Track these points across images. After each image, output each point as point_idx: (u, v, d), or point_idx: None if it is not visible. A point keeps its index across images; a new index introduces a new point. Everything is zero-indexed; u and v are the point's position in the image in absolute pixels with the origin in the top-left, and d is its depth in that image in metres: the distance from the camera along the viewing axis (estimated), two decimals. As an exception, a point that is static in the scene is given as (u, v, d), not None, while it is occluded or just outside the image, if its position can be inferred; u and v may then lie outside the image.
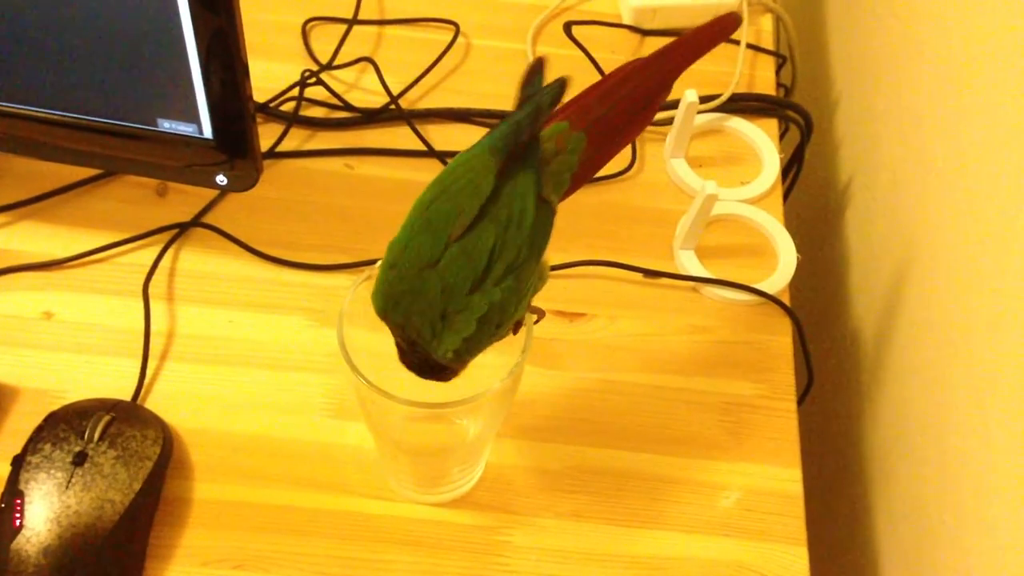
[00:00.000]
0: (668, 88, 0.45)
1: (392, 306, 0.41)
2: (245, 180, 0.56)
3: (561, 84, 0.41)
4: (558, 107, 0.43)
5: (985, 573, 0.46)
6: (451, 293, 0.40)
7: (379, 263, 0.42)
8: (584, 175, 0.44)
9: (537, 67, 0.42)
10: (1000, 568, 0.45)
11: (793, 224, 0.66)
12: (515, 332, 0.45)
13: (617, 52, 0.74)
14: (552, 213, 0.42)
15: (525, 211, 0.40)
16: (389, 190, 0.65)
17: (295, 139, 0.67)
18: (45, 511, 0.47)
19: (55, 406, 0.52)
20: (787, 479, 0.55)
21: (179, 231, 0.62)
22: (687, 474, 0.55)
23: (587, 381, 0.58)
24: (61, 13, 0.50)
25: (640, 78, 0.44)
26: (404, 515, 0.52)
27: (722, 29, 0.46)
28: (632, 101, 0.44)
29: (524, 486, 0.54)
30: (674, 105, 0.68)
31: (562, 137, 0.42)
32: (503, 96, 0.70)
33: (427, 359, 0.42)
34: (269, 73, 0.69)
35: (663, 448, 0.55)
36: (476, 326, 0.40)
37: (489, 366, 0.46)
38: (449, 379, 0.44)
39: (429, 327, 0.40)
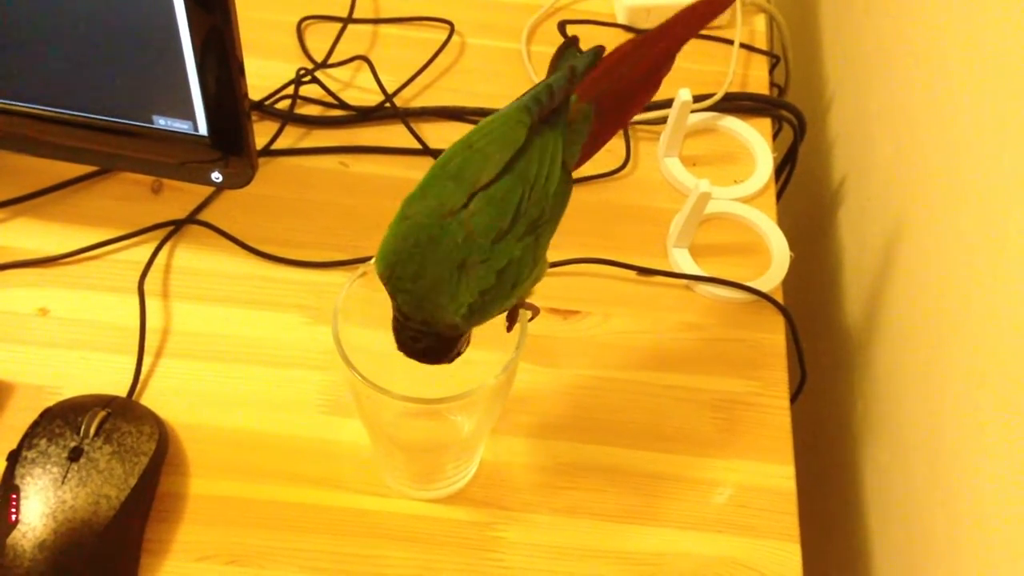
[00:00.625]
0: (671, 61, 0.45)
1: (405, 258, 0.40)
2: (240, 177, 0.57)
3: (597, 52, 0.41)
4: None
5: (977, 570, 0.47)
6: (474, 242, 0.39)
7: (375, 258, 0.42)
8: (592, 147, 0.44)
9: (571, 42, 0.43)
10: (991, 564, 0.45)
11: (786, 223, 0.66)
12: (509, 328, 0.45)
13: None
14: (571, 182, 0.43)
15: (552, 172, 0.41)
16: (384, 188, 0.65)
17: (290, 137, 0.67)
18: (41, 506, 0.47)
19: (50, 402, 0.52)
20: (780, 475, 0.55)
21: (174, 228, 0.62)
22: (680, 471, 0.55)
23: (581, 378, 0.58)
24: (56, 10, 0.51)
25: (642, 52, 0.44)
26: (399, 511, 0.53)
27: (720, 1, 0.46)
28: (636, 75, 0.44)
29: (519, 482, 0.54)
30: (668, 104, 0.68)
31: (573, 109, 0.43)
32: (498, 95, 0.70)
33: (426, 329, 0.41)
34: (264, 71, 0.69)
35: (657, 445, 0.56)
36: (495, 278, 0.40)
37: (483, 363, 0.46)
38: (444, 361, 0.44)
39: (446, 281, 0.40)
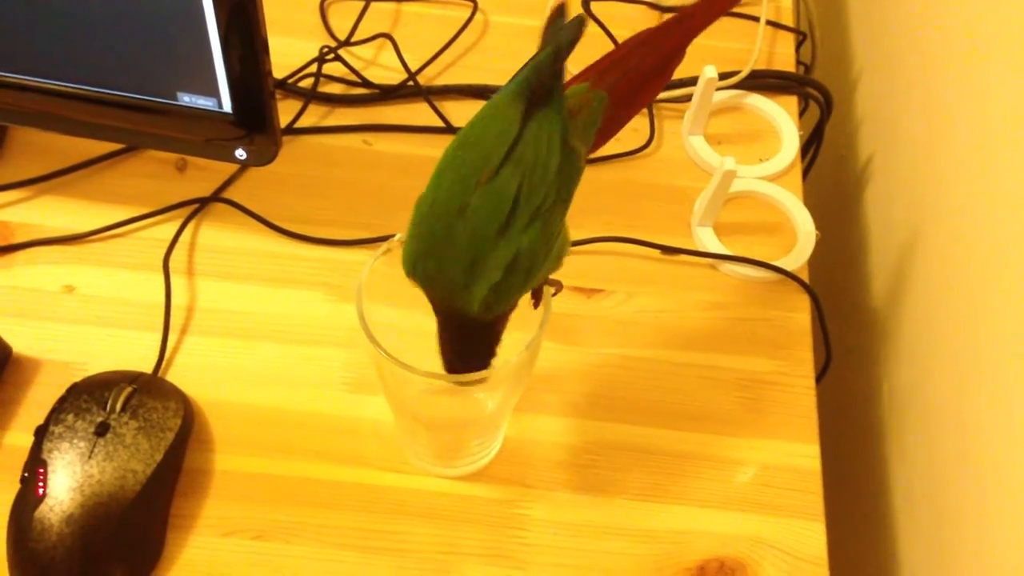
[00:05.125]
0: (682, 54, 0.45)
1: (423, 256, 0.41)
2: (264, 155, 0.57)
3: (579, 22, 0.40)
4: (577, 74, 0.43)
5: (1006, 550, 0.46)
6: (479, 239, 0.40)
7: (398, 235, 0.42)
8: (607, 132, 0.44)
9: (559, 11, 0.41)
10: (1020, 545, 0.45)
11: (812, 201, 0.65)
12: (536, 305, 0.45)
13: (637, 29, 0.73)
14: (579, 159, 0.42)
15: (551, 154, 0.40)
16: (407, 166, 0.65)
17: (313, 115, 0.67)
18: (68, 480, 0.48)
19: (77, 378, 0.53)
20: (805, 455, 0.55)
21: (199, 206, 0.62)
22: (705, 449, 0.55)
23: (604, 357, 0.58)
24: (82, -13, 0.51)
25: (655, 43, 0.44)
26: (422, 488, 0.53)
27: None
28: (647, 65, 0.44)
29: (542, 460, 0.54)
30: (693, 82, 0.68)
31: (584, 95, 0.43)
32: (521, 72, 0.70)
33: (461, 327, 0.42)
34: (288, 49, 0.69)
35: (681, 424, 0.56)
36: (503, 273, 0.40)
37: (507, 340, 0.46)
38: (483, 362, 0.44)
39: (461, 276, 0.40)
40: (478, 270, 0.40)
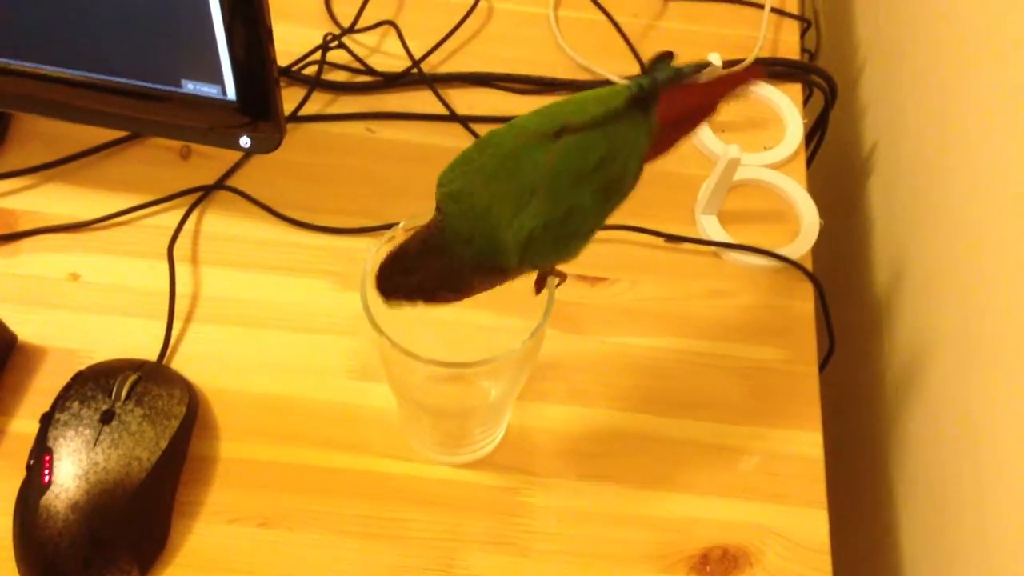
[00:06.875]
0: (714, 111, 0.46)
1: (478, 167, 0.41)
2: (268, 142, 0.57)
3: (699, 67, 0.43)
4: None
5: (1005, 539, 0.46)
6: (555, 173, 0.40)
7: (402, 223, 0.42)
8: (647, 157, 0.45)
9: (666, 55, 0.44)
10: (1022, 534, 0.45)
11: (816, 190, 0.65)
12: (538, 291, 0.45)
13: (639, 16, 0.73)
14: (638, 175, 0.43)
15: (635, 154, 0.42)
16: (411, 154, 0.65)
17: (317, 103, 0.67)
18: (74, 468, 0.48)
19: (82, 366, 0.53)
20: (808, 443, 0.55)
21: (203, 194, 0.62)
22: (708, 437, 0.55)
23: (608, 345, 0.58)
24: (86, -26, 0.51)
25: (702, 95, 0.45)
26: (426, 476, 0.53)
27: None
28: (690, 109, 0.45)
29: (545, 448, 0.54)
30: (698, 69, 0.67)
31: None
32: (525, 60, 0.70)
33: (453, 256, 0.41)
34: (291, 36, 0.69)
35: (684, 411, 0.56)
36: (564, 214, 0.40)
37: (511, 329, 0.46)
38: (426, 298, 0.42)
39: (514, 198, 0.40)
40: (538, 200, 0.40)
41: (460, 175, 0.41)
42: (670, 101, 0.43)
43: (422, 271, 0.42)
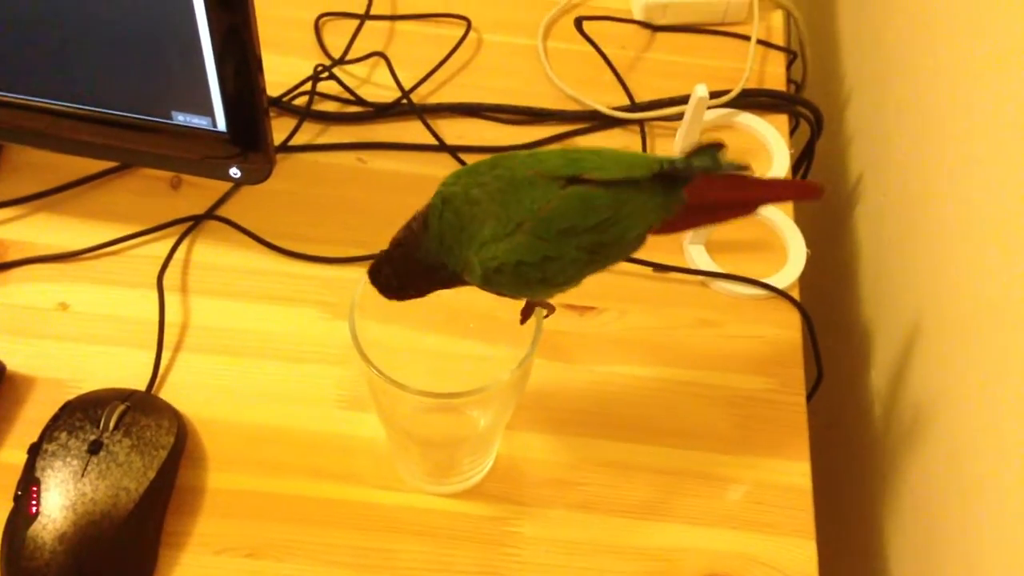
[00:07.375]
0: (748, 211, 0.46)
1: (476, 180, 0.41)
2: (258, 173, 0.57)
3: (740, 166, 0.43)
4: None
5: (994, 567, 0.46)
6: (547, 219, 0.40)
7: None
8: (662, 230, 0.45)
9: (716, 145, 0.43)
10: (1009, 562, 0.45)
11: (803, 219, 0.66)
12: (523, 321, 0.46)
13: (627, 48, 0.74)
14: (642, 242, 0.43)
15: (640, 224, 0.42)
16: (401, 184, 0.65)
17: (308, 133, 0.68)
18: (61, 498, 0.48)
19: (71, 396, 0.53)
20: (796, 473, 0.55)
21: (193, 223, 0.62)
22: (696, 467, 0.55)
23: (597, 374, 0.58)
24: (77, 7, 0.51)
25: (737, 191, 0.45)
26: (415, 505, 0.53)
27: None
28: (721, 201, 0.45)
29: (534, 477, 0.54)
30: (684, 100, 0.68)
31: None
32: (514, 91, 0.70)
33: (429, 267, 0.42)
34: (282, 67, 0.69)
35: (672, 441, 0.56)
36: (540, 261, 0.41)
37: (499, 358, 0.46)
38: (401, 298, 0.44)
39: (498, 224, 0.41)
40: (520, 235, 0.40)
41: (463, 182, 0.42)
42: (709, 185, 0.43)
43: (399, 260, 0.43)
